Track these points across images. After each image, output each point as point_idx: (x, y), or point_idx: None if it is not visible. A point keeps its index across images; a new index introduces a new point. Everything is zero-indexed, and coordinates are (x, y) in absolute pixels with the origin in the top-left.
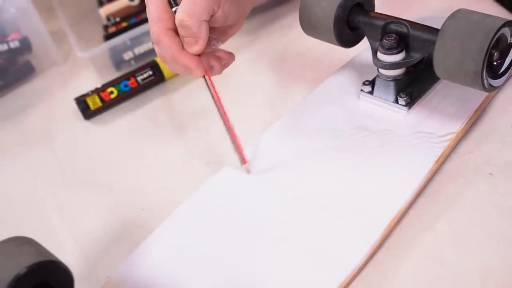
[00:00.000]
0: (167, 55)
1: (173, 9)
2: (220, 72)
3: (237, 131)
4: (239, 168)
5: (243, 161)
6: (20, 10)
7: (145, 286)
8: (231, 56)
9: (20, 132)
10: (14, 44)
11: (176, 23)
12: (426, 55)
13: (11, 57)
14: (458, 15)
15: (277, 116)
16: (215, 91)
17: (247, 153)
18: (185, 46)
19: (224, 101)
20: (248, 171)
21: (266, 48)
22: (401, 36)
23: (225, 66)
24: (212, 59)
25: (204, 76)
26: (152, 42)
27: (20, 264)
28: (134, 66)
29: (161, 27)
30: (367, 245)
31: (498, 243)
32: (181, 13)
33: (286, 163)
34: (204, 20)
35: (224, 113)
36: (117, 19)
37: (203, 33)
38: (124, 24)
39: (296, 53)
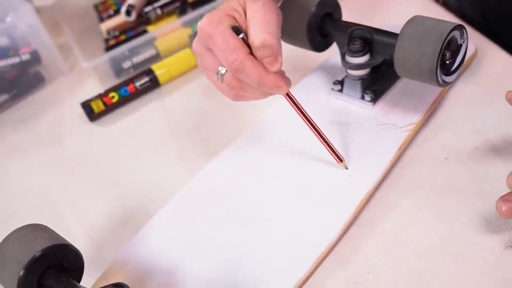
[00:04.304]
0: (253, 79)
1: (240, 36)
2: (291, 84)
3: (227, 129)
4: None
5: (339, 160)
6: (30, 26)
7: (146, 265)
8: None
9: (33, 135)
10: (25, 57)
11: (258, 44)
12: (388, 56)
13: (22, 68)
14: (414, 21)
15: (259, 113)
16: (300, 105)
17: (239, 143)
18: (267, 66)
19: (216, 103)
20: (346, 167)
21: None
22: (365, 40)
23: None
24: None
25: (287, 93)
26: (219, 75)
27: (36, 247)
28: (132, 73)
29: (241, 53)
30: (340, 223)
31: (454, 218)
32: (262, 33)
33: (267, 154)
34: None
35: (312, 122)
36: (116, 33)
37: (281, 49)
38: (122, 37)
39: None
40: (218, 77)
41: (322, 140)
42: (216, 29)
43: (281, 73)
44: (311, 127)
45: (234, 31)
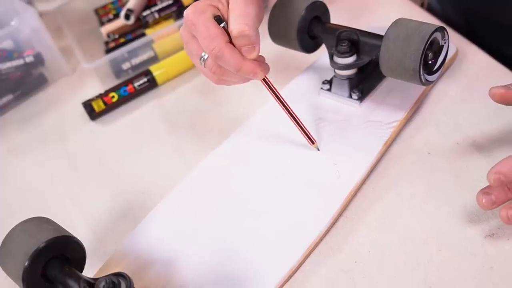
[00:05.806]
0: (231, 66)
1: (221, 25)
2: (268, 71)
3: (221, 126)
4: None
5: (311, 142)
6: (34, 30)
7: (145, 256)
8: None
9: (37, 133)
10: (29, 59)
11: (236, 34)
12: (374, 57)
13: (26, 70)
14: (398, 23)
15: (253, 111)
16: (275, 89)
17: (230, 141)
18: (244, 54)
19: (211, 101)
20: (318, 149)
21: None
22: (352, 42)
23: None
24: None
25: (263, 79)
26: (202, 60)
27: (40, 239)
28: (131, 74)
29: (221, 42)
30: (329, 214)
31: (437, 210)
32: (240, 24)
33: (260, 150)
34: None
35: (287, 106)
36: (116, 36)
37: (259, 39)
38: (122, 40)
39: (266, 60)
40: (201, 62)
41: (296, 123)
42: (199, 17)
43: (259, 60)
44: (286, 110)
45: (216, 20)
